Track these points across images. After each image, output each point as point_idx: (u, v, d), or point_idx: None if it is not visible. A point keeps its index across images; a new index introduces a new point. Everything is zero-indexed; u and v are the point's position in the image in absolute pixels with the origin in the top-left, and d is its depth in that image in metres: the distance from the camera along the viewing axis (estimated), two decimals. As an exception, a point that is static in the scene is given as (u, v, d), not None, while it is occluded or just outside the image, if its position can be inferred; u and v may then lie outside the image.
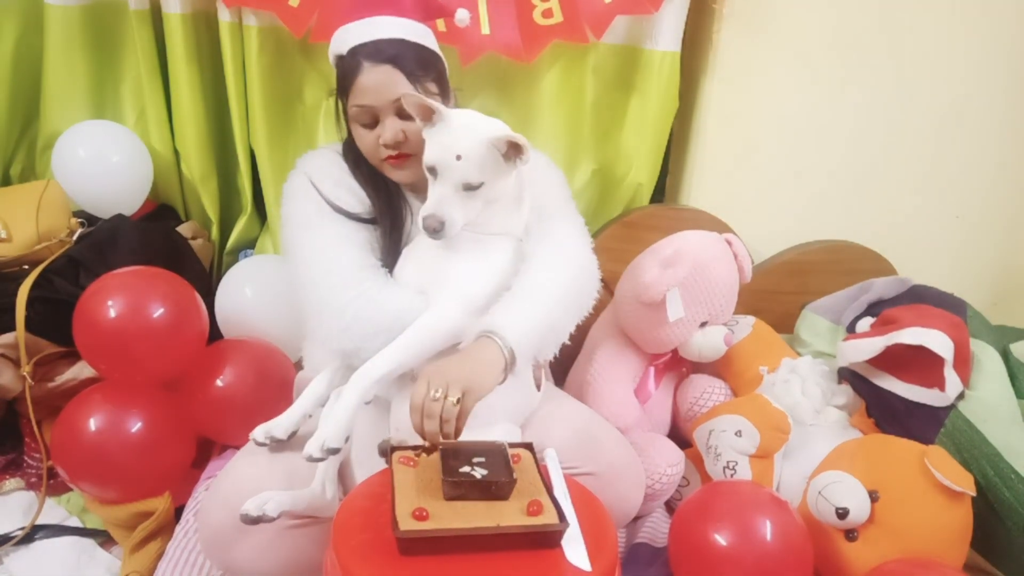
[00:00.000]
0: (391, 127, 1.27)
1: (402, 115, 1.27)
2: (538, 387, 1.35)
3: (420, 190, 1.37)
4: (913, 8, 1.83)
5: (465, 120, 1.15)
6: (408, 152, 1.30)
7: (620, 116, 1.96)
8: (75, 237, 1.72)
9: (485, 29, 1.79)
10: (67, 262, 1.65)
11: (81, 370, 1.61)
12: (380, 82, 1.25)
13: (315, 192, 1.29)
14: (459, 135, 1.13)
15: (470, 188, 1.13)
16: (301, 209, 1.29)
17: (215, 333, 1.70)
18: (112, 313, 1.42)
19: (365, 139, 1.31)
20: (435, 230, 1.12)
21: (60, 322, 1.50)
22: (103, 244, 1.69)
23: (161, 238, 1.81)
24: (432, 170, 1.14)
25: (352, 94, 1.27)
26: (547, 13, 1.79)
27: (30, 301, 1.54)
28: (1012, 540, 1.31)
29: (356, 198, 1.32)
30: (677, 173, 2.08)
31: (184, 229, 1.94)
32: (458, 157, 1.11)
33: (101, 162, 1.80)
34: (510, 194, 1.21)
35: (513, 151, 1.14)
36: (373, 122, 1.29)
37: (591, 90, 1.92)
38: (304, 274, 1.24)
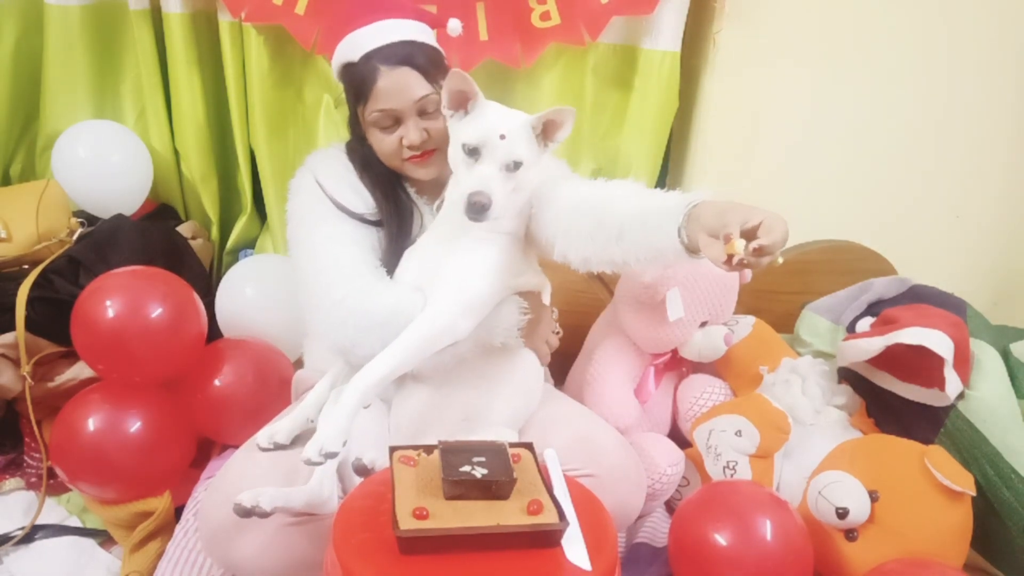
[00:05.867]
0: (415, 127, 1.29)
1: (423, 114, 1.29)
2: (541, 363, 1.36)
3: (429, 192, 1.37)
4: (915, 7, 1.82)
5: (496, 106, 1.17)
6: (432, 148, 1.31)
7: (620, 116, 1.96)
8: (75, 237, 1.72)
9: (483, 35, 1.79)
10: (67, 262, 1.65)
11: (81, 370, 1.60)
12: (400, 84, 1.26)
13: (319, 190, 1.30)
14: (499, 116, 1.15)
15: (512, 168, 1.14)
16: (305, 205, 1.31)
17: (215, 333, 1.70)
18: (110, 313, 1.42)
19: (385, 142, 1.31)
20: (482, 207, 1.10)
21: (60, 322, 1.50)
22: (103, 244, 1.69)
23: (161, 238, 1.81)
24: (474, 151, 1.13)
25: (372, 100, 1.28)
26: (545, 16, 1.79)
27: (30, 301, 1.54)
28: (1012, 540, 1.30)
29: (360, 198, 1.32)
30: (677, 173, 2.08)
31: (184, 229, 1.94)
32: (502, 136, 1.13)
33: (101, 162, 1.80)
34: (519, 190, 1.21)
35: (547, 132, 1.16)
36: (394, 125, 1.30)
37: (591, 90, 1.92)
38: (304, 269, 1.26)
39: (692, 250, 1.00)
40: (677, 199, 1.04)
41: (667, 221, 1.01)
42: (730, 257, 0.93)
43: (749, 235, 0.93)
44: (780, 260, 0.95)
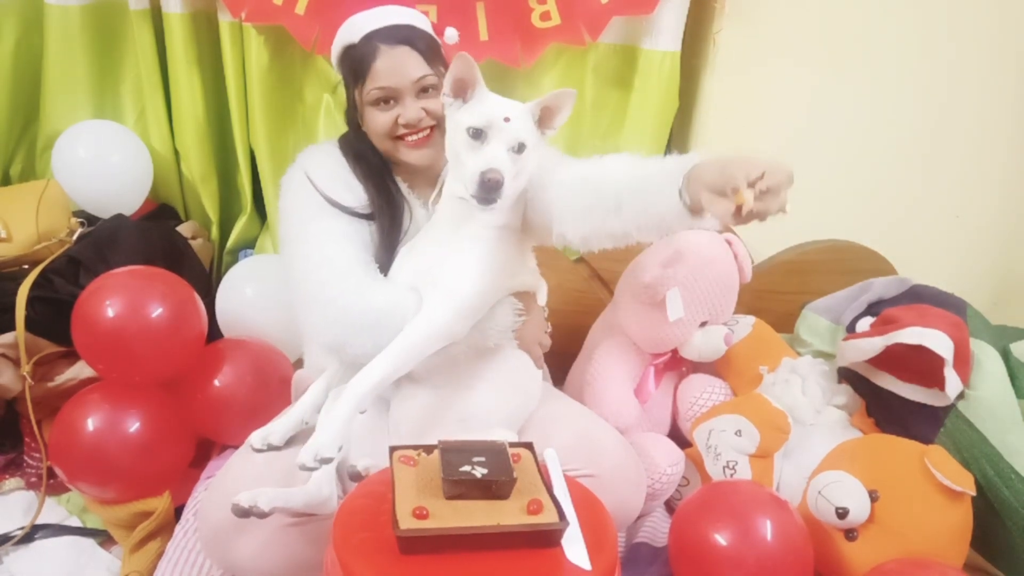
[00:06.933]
0: (412, 107, 1.29)
1: (421, 95, 1.30)
2: (538, 366, 1.35)
3: (420, 186, 1.37)
4: (915, 7, 1.82)
5: (495, 95, 1.17)
6: (430, 123, 1.31)
7: (620, 116, 1.96)
8: (75, 237, 1.72)
9: (483, 35, 1.79)
10: (67, 262, 1.65)
11: (81, 370, 1.60)
12: (399, 63, 1.28)
13: (310, 185, 1.30)
14: (501, 101, 1.16)
15: (518, 150, 1.13)
16: (297, 203, 1.31)
17: (215, 333, 1.70)
18: (110, 313, 1.42)
19: (379, 119, 1.31)
20: (496, 184, 1.08)
21: (60, 322, 1.50)
22: (103, 244, 1.69)
23: (161, 238, 1.81)
24: (479, 133, 1.12)
25: (370, 78, 1.29)
26: (545, 16, 1.79)
27: (30, 301, 1.54)
28: (1012, 540, 1.30)
29: (352, 193, 1.32)
30: (677, 173, 2.07)
31: (184, 229, 1.94)
32: (506, 119, 1.12)
33: (101, 162, 1.80)
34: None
35: (545, 118, 1.16)
36: (392, 104, 1.30)
37: (591, 90, 1.92)
38: (296, 266, 1.26)
39: (694, 211, 0.99)
40: (674, 162, 1.03)
41: (666, 184, 1.00)
42: (739, 209, 0.91)
43: (753, 186, 0.92)
44: (788, 210, 0.94)
